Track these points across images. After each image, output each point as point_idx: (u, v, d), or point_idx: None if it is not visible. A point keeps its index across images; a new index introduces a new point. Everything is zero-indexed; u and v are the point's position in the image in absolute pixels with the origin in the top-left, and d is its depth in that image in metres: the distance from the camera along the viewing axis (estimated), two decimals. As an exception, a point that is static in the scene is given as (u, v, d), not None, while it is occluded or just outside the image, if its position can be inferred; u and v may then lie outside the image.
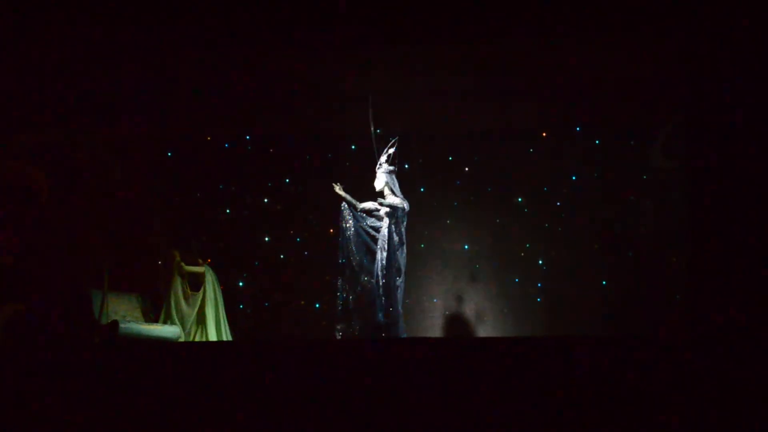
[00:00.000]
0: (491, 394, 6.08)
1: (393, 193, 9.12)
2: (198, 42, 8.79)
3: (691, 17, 8.00)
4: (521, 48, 9.20)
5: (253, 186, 10.99)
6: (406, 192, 9.28)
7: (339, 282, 9.15)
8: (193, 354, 7.35)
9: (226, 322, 9.95)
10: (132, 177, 10.49)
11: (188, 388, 6.41)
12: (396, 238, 9.06)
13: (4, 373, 6.64)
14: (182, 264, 9.82)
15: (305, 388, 6.27)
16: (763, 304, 7.27)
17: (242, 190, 10.99)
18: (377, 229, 9.20)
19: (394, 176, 9.19)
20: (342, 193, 9.22)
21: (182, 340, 9.53)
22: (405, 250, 9.12)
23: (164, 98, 10.05)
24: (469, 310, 10.62)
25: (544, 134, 10.84)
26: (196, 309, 9.77)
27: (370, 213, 9.28)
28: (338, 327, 9.05)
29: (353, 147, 10.71)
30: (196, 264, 9.94)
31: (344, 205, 9.22)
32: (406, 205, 9.11)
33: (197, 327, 9.79)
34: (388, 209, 9.09)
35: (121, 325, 9.03)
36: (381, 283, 8.95)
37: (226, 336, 9.86)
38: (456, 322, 10.58)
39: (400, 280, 9.06)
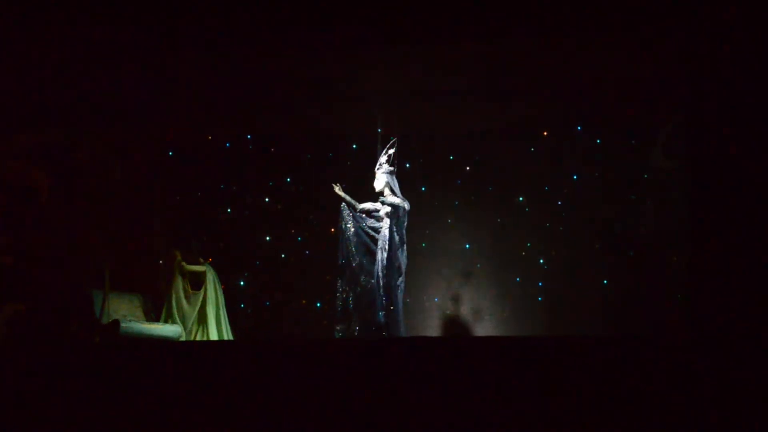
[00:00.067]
0: (491, 394, 6.09)
1: (393, 193, 9.13)
2: (198, 42, 8.79)
3: (692, 17, 7.99)
4: (522, 47, 9.19)
5: (254, 185, 11.00)
6: (406, 192, 9.28)
7: (339, 282, 9.16)
8: (194, 353, 7.36)
9: (227, 321, 9.95)
10: (133, 177, 10.50)
11: (189, 388, 6.42)
12: (397, 238, 9.06)
13: (4, 373, 6.65)
14: (183, 263, 9.83)
15: (306, 387, 6.28)
16: (764, 304, 7.27)
17: (243, 190, 11.01)
18: (376, 230, 9.20)
19: (394, 177, 9.19)
20: (341, 193, 9.23)
21: (183, 339, 9.53)
22: (405, 250, 9.13)
23: (165, 98, 10.05)
24: (469, 309, 10.63)
25: (545, 134, 10.84)
26: (197, 308, 9.78)
27: (369, 214, 9.29)
28: (338, 327, 9.05)
29: (354, 146, 10.72)
30: (197, 263, 9.95)
31: (344, 205, 9.23)
32: (406, 205, 9.12)
33: (198, 326, 9.79)
34: (388, 210, 9.10)
35: (122, 325, 9.04)
36: (381, 283, 8.95)
37: (227, 335, 9.87)
38: (456, 322, 10.59)
39: (400, 280, 9.07)
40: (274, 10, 8.27)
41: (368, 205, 9.30)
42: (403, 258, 9.11)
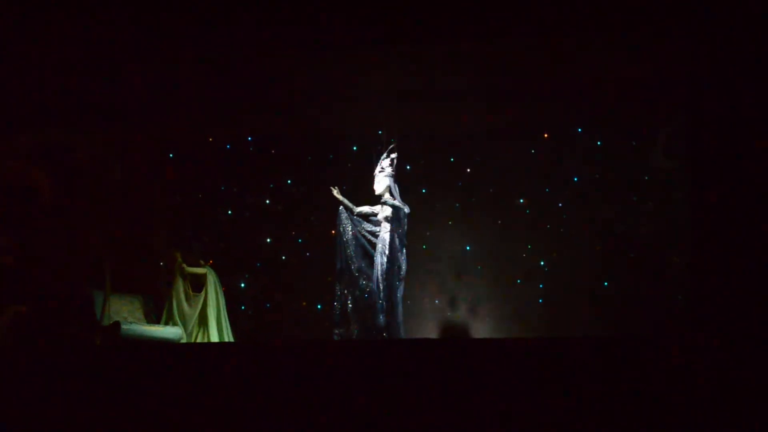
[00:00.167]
0: (491, 395, 6.09)
1: (393, 197, 9.13)
2: (199, 42, 8.79)
3: (693, 17, 7.99)
4: (522, 48, 9.19)
5: (255, 187, 11.00)
6: (407, 193, 9.29)
7: (337, 286, 9.16)
8: (194, 355, 7.37)
9: (227, 323, 9.95)
10: (133, 178, 10.50)
11: (190, 389, 6.43)
12: (397, 242, 9.06)
13: (6, 375, 6.65)
14: (184, 265, 9.83)
15: (307, 389, 6.29)
16: (764, 305, 7.27)
17: (243, 191, 11.00)
18: (374, 234, 9.21)
19: (394, 180, 9.20)
20: (340, 197, 9.24)
21: (184, 341, 9.53)
22: (405, 253, 9.13)
23: (165, 99, 10.05)
24: (470, 311, 10.61)
25: (545, 135, 10.83)
26: (198, 310, 9.78)
27: (367, 217, 9.30)
28: (337, 332, 9.06)
29: (354, 148, 10.72)
30: (198, 265, 9.95)
31: (341, 209, 9.24)
32: (406, 209, 9.12)
33: (199, 328, 9.79)
34: (387, 214, 9.10)
35: (123, 327, 9.04)
36: (382, 287, 8.95)
37: (228, 337, 9.87)
38: (457, 323, 10.57)
39: (400, 283, 9.07)
40: (275, 10, 8.28)
41: (366, 209, 9.31)
42: (403, 261, 9.11)
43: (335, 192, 9.26)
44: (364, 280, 9.10)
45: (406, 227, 9.14)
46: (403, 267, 9.10)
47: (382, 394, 6.21)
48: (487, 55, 9.33)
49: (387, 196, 9.13)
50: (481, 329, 10.49)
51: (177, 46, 8.81)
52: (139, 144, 10.58)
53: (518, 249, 10.75)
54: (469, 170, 10.88)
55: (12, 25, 8.35)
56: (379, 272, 8.99)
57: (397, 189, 9.17)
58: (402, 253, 9.11)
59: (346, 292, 9.13)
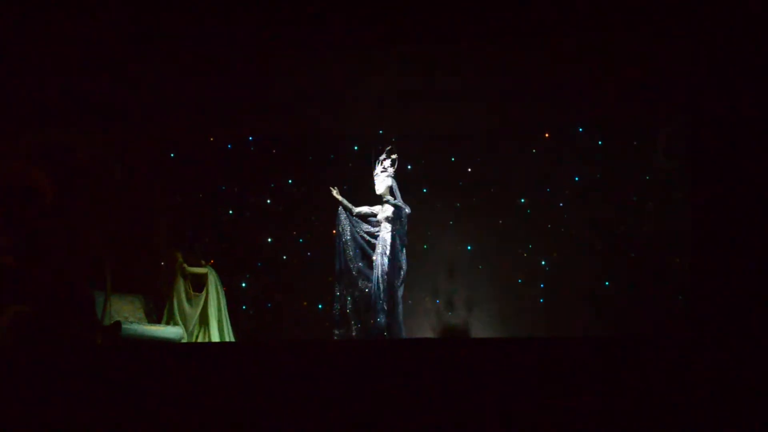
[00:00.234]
0: (491, 394, 6.09)
1: (394, 197, 9.14)
2: (200, 42, 8.80)
3: (693, 16, 7.99)
4: (523, 48, 9.19)
5: (255, 187, 11.00)
6: (408, 193, 9.30)
7: (336, 287, 9.17)
8: (195, 355, 7.37)
9: (228, 323, 9.96)
10: (134, 178, 10.51)
11: (191, 389, 6.44)
12: (398, 242, 9.07)
13: (7, 375, 6.66)
14: (185, 265, 9.85)
15: (307, 388, 6.29)
16: (764, 305, 7.26)
17: (244, 191, 11.00)
18: (372, 235, 9.23)
19: (395, 181, 9.21)
20: (339, 197, 9.25)
21: (185, 341, 9.54)
22: (405, 253, 9.14)
23: (166, 99, 10.06)
24: (470, 310, 10.61)
25: (546, 135, 10.83)
26: (199, 310, 9.79)
27: (366, 218, 9.32)
28: (337, 332, 9.07)
29: (355, 147, 10.72)
30: (199, 265, 9.97)
31: (340, 210, 9.25)
32: (407, 209, 9.13)
33: (200, 328, 9.80)
34: (387, 214, 9.12)
35: (124, 326, 9.06)
36: (382, 287, 8.96)
37: (229, 337, 9.88)
38: (457, 323, 10.57)
39: (401, 283, 9.08)
40: (276, 10, 8.28)
41: (364, 209, 9.33)
42: (404, 261, 9.12)
43: (334, 192, 9.28)
44: (363, 280, 9.12)
45: (406, 227, 9.15)
46: (404, 267, 9.11)
47: (382, 394, 6.21)
48: (487, 55, 9.33)
49: (389, 196, 9.14)
50: (481, 329, 10.49)
51: (178, 46, 8.81)
52: (140, 144, 10.58)
53: (519, 249, 10.75)
54: (470, 170, 10.88)
55: (12, 25, 8.35)
56: (380, 272, 9.00)
57: (397, 189, 9.18)
58: (402, 253, 9.12)
59: (345, 292, 9.15)
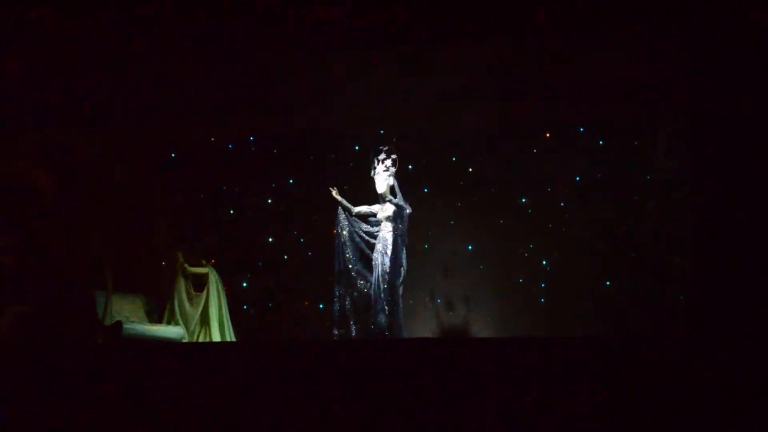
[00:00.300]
0: (491, 394, 6.09)
1: (395, 195, 9.15)
2: (201, 42, 8.80)
3: (695, 16, 7.99)
4: (524, 48, 9.19)
5: (256, 186, 11.00)
6: (409, 193, 9.31)
7: (336, 287, 9.18)
8: (196, 354, 7.39)
9: (229, 322, 9.97)
10: (135, 178, 10.51)
11: (192, 389, 6.44)
12: (399, 241, 9.09)
13: (8, 375, 6.67)
14: (186, 265, 9.86)
15: (308, 388, 6.30)
16: (765, 305, 7.27)
17: (245, 191, 11.00)
18: (371, 234, 9.24)
19: (395, 179, 9.23)
20: (338, 197, 9.26)
21: (186, 340, 9.55)
22: (405, 252, 9.15)
23: (167, 99, 10.07)
24: (471, 310, 10.60)
25: (547, 135, 10.82)
26: (200, 310, 9.80)
27: (365, 218, 9.33)
28: (336, 333, 9.08)
29: (356, 147, 10.72)
30: (200, 265, 9.98)
31: (340, 210, 9.26)
32: (409, 208, 9.15)
33: (201, 327, 9.81)
34: (388, 214, 9.13)
35: (125, 326, 9.07)
36: (383, 286, 8.96)
37: (230, 336, 9.89)
38: (458, 323, 10.57)
39: (401, 283, 9.09)
40: (278, 9, 8.29)
41: (364, 209, 9.34)
42: (404, 260, 9.13)
43: (334, 192, 9.28)
44: (362, 281, 9.13)
45: (407, 227, 9.17)
46: (404, 266, 9.13)
47: (384, 393, 6.22)
48: (488, 55, 9.33)
49: (390, 195, 9.15)
50: (482, 329, 10.49)
51: (179, 46, 8.81)
52: (141, 144, 10.59)
53: (520, 249, 10.75)
54: (470, 170, 10.87)
55: (13, 26, 8.36)
56: (380, 272, 9.01)
57: (398, 188, 9.20)
58: (403, 252, 9.13)
59: (344, 293, 9.16)
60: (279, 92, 10.06)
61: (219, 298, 9.91)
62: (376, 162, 9.28)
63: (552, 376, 6.15)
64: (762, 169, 7.56)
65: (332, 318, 9.23)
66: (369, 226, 9.31)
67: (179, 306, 9.73)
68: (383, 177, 9.21)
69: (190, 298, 9.79)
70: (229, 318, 9.97)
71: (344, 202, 9.28)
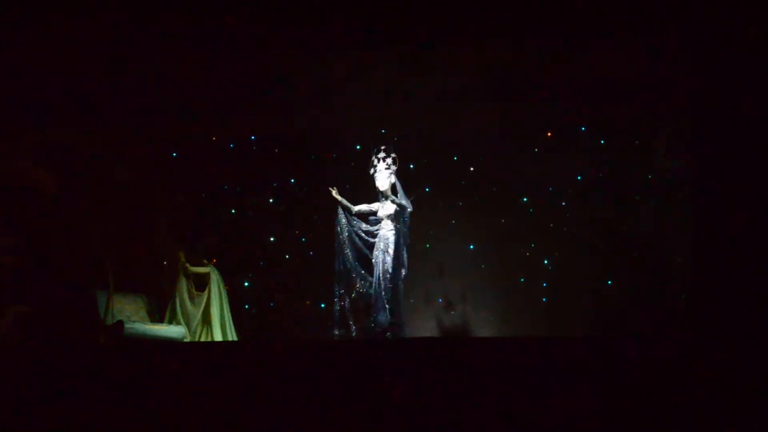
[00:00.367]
0: (492, 393, 6.10)
1: (396, 193, 9.16)
2: (203, 42, 8.82)
3: (697, 16, 8.00)
4: (526, 48, 9.20)
5: (258, 186, 10.99)
6: (410, 192, 9.31)
7: (336, 287, 9.19)
8: (198, 354, 7.40)
9: (231, 322, 9.97)
10: (136, 178, 10.52)
11: (194, 388, 6.45)
12: (401, 240, 9.10)
13: (10, 374, 6.68)
14: (187, 264, 9.86)
15: (310, 387, 6.31)
16: (766, 304, 7.28)
17: (247, 190, 11.00)
18: (371, 233, 9.25)
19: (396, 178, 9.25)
20: (338, 197, 9.27)
21: (188, 340, 9.55)
22: (407, 252, 9.17)
23: (169, 99, 10.07)
24: (473, 310, 10.61)
25: (549, 134, 10.82)
26: (202, 309, 9.80)
27: (366, 216, 9.33)
28: (336, 333, 9.09)
29: (358, 147, 10.72)
30: (201, 264, 9.97)
31: (340, 210, 9.27)
32: (410, 207, 9.16)
33: (202, 327, 9.81)
34: (390, 212, 9.14)
35: (127, 326, 9.07)
36: (383, 285, 8.97)
37: (232, 336, 9.88)
38: (459, 322, 10.58)
39: (402, 282, 9.10)
40: (280, 9, 8.31)
41: (364, 207, 9.34)
42: (406, 259, 9.14)
43: (334, 192, 9.29)
44: (361, 280, 9.14)
45: (409, 226, 9.18)
46: (406, 266, 9.14)
47: (385, 393, 6.23)
48: (490, 54, 9.34)
49: (393, 196, 9.16)
50: (483, 328, 10.50)
51: (181, 46, 8.83)
52: (142, 143, 10.60)
53: (521, 248, 10.76)
54: (472, 169, 10.88)
55: (15, 25, 8.38)
56: (381, 270, 9.01)
57: (400, 186, 9.21)
58: (405, 252, 9.14)
59: (344, 292, 9.17)
60: (280, 92, 10.08)
61: (220, 297, 9.91)
62: (375, 160, 9.29)
63: (552, 376, 6.16)
64: (762, 169, 7.57)
65: (332, 319, 9.24)
66: (369, 225, 9.31)
67: (181, 306, 9.73)
68: (385, 174, 9.22)
69: (191, 298, 9.79)
70: (230, 318, 9.97)
71: (344, 201, 9.29)
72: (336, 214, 9.28)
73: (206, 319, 9.80)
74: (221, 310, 9.89)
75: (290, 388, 6.34)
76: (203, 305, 9.79)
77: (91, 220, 9.94)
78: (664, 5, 8.00)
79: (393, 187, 9.21)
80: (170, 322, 9.68)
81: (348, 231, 9.26)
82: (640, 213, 10.41)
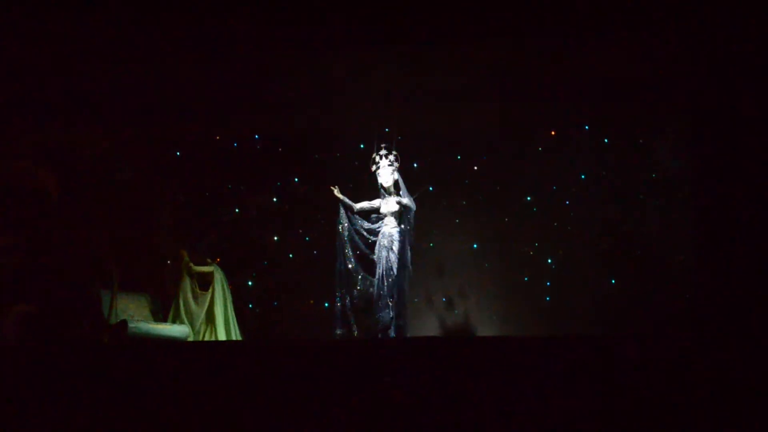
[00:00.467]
0: (493, 393, 6.11)
1: (399, 190, 9.19)
2: (207, 42, 8.84)
3: (700, 16, 8.00)
4: (530, 47, 9.21)
5: (261, 185, 11.01)
6: (414, 191, 9.33)
7: (337, 286, 9.21)
8: (202, 353, 7.42)
9: (235, 321, 9.98)
10: (139, 177, 10.53)
11: (197, 388, 6.47)
12: (406, 239, 9.12)
13: (15, 373, 6.70)
14: (191, 264, 9.87)
15: (313, 387, 6.32)
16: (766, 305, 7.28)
17: (250, 190, 11.01)
18: (373, 232, 9.25)
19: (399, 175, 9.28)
20: (340, 195, 9.28)
21: (191, 339, 9.56)
22: (410, 251, 9.18)
23: (172, 98, 10.09)
24: (476, 309, 10.61)
25: (552, 133, 10.83)
26: (205, 308, 9.81)
27: (368, 214, 9.34)
28: (338, 332, 9.10)
29: (362, 146, 10.72)
30: (205, 263, 9.98)
31: (341, 209, 9.28)
32: (413, 206, 9.18)
33: (206, 326, 9.82)
34: (393, 209, 9.15)
35: (130, 325, 9.08)
36: (387, 282, 8.97)
37: (235, 335, 9.90)
38: (462, 321, 10.58)
39: (407, 280, 9.12)
40: (282, 9, 8.32)
41: (365, 205, 9.35)
42: (409, 258, 9.16)
43: (336, 191, 9.30)
44: (362, 279, 9.15)
45: (413, 224, 9.20)
46: (410, 265, 9.16)
47: (386, 392, 6.24)
48: (494, 53, 9.35)
49: (398, 197, 9.18)
50: (487, 327, 10.50)
51: (183, 46, 8.85)
52: (145, 143, 10.62)
53: (525, 247, 10.76)
54: (475, 168, 10.88)
55: (17, 25, 8.40)
56: (385, 268, 9.02)
57: (403, 183, 9.24)
58: (409, 251, 9.16)
59: (345, 291, 9.19)
60: (284, 91, 10.09)
61: (224, 296, 9.92)
62: (378, 157, 9.31)
63: (552, 376, 6.16)
64: (763, 168, 7.57)
65: (333, 318, 9.25)
66: (370, 224, 9.32)
67: (184, 305, 9.75)
68: (388, 171, 9.23)
69: (195, 297, 9.80)
70: (234, 317, 9.98)
71: (346, 200, 9.30)
72: (337, 213, 9.30)
73: (210, 319, 9.80)
74: (225, 309, 9.90)
75: (293, 388, 6.36)
76: (207, 304, 9.79)
77: (94, 220, 9.96)
78: (664, 5, 7.99)
79: (396, 183, 9.23)
80: (174, 322, 9.69)
81: (349, 230, 9.27)
82: (642, 212, 10.40)
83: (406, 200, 9.12)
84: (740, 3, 7.65)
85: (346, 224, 9.28)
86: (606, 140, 10.67)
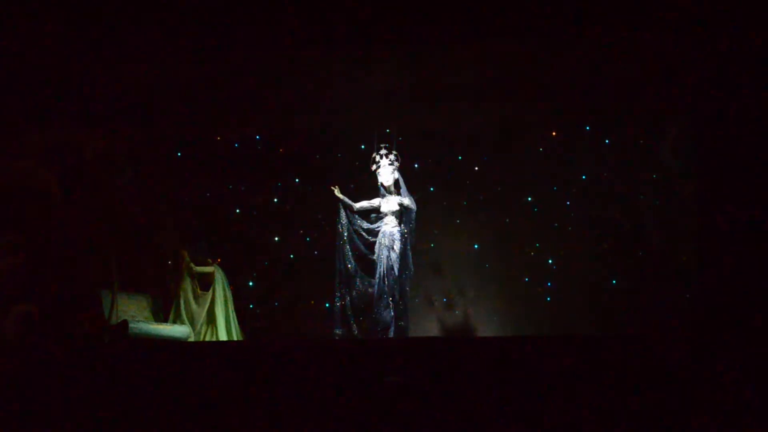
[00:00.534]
0: (494, 393, 6.11)
1: (399, 189, 9.19)
2: (207, 42, 8.84)
3: (701, 16, 7.99)
4: (531, 47, 9.21)
5: (262, 185, 11.01)
6: (415, 191, 9.33)
7: (337, 286, 9.21)
8: (202, 354, 7.42)
9: (236, 321, 9.97)
10: (141, 177, 10.54)
11: (198, 388, 6.48)
12: (407, 238, 9.12)
13: (15, 373, 6.71)
14: (191, 264, 9.86)
15: (315, 386, 6.33)
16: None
17: (251, 190, 11.01)
18: (373, 231, 9.26)
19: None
20: (340, 195, 9.29)
21: (192, 339, 9.56)
22: (411, 251, 9.19)
23: (174, 98, 10.09)
24: (477, 309, 10.61)
25: (553, 133, 10.82)
26: (206, 309, 9.80)
27: (368, 214, 9.35)
28: (338, 332, 9.10)
29: (363, 146, 10.73)
30: (206, 264, 9.97)
31: (341, 208, 9.29)
32: (414, 206, 9.19)
33: (207, 327, 9.82)
34: (393, 208, 9.16)
35: (131, 325, 9.08)
36: (387, 282, 8.98)
37: (236, 335, 9.89)
38: (463, 322, 10.58)
39: (408, 280, 9.12)
40: (284, 9, 8.32)
41: (365, 204, 9.36)
42: (410, 258, 9.17)
43: (336, 191, 9.31)
44: (362, 279, 9.16)
45: (414, 224, 9.21)
46: (411, 265, 9.17)
47: (387, 392, 6.24)
48: (493, 54, 9.35)
49: (398, 198, 9.19)
50: (487, 327, 10.50)
51: (184, 46, 8.85)
52: (147, 143, 10.62)
53: (526, 247, 10.76)
54: (476, 168, 10.88)
55: (19, 25, 8.40)
56: (385, 267, 9.03)
57: (403, 182, 9.24)
58: (410, 251, 9.17)
59: (345, 291, 9.19)
60: (286, 91, 10.09)
61: (225, 297, 9.91)
62: (378, 156, 9.32)
63: (552, 376, 6.17)
64: (765, 169, 7.56)
65: (333, 318, 9.25)
66: (370, 224, 9.33)
67: (185, 305, 9.74)
68: (389, 170, 9.25)
69: (196, 297, 9.80)
70: (235, 317, 9.97)
71: (346, 199, 9.32)
72: (337, 213, 9.31)
73: (210, 319, 9.80)
74: (226, 309, 9.89)
75: (293, 387, 6.36)
76: (207, 305, 9.79)
77: (94, 220, 9.96)
78: (665, 5, 7.99)
79: (396, 182, 9.24)
80: (174, 322, 9.68)
81: (349, 230, 9.28)
82: (642, 212, 10.40)
83: (407, 201, 9.14)
84: (741, 2, 7.64)
85: (346, 224, 9.29)
86: (607, 141, 10.67)
